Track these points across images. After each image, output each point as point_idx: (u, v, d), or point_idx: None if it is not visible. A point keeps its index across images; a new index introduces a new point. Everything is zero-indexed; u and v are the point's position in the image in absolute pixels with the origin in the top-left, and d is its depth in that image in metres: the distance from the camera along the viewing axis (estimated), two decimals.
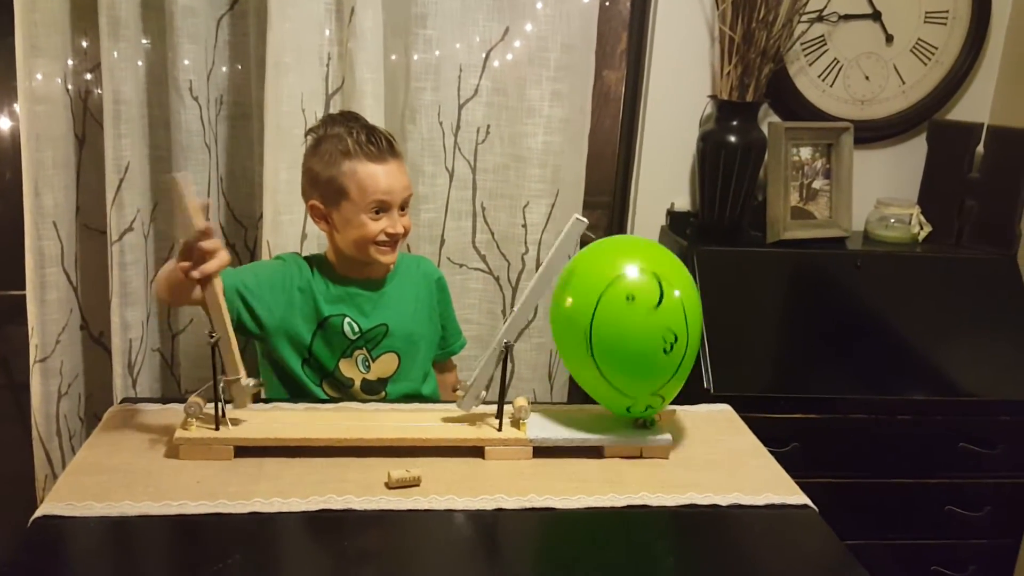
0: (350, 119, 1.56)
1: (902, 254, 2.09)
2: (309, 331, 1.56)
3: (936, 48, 2.15)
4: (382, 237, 1.53)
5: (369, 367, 1.60)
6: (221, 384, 1.29)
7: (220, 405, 1.29)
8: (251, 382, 1.30)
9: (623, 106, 2.15)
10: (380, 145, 1.51)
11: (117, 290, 1.86)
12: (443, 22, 1.86)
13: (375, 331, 1.60)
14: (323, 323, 1.56)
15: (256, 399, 1.40)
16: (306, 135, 1.59)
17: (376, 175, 1.50)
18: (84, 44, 1.87)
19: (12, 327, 2.00)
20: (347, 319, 1.57)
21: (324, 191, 1.53)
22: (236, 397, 1.31)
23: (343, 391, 1.60)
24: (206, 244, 1.25)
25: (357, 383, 1.60)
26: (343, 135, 1.51)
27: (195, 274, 1.26)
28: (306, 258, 1.64)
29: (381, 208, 1.52)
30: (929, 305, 2.01)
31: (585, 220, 1.31)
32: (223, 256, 1.29)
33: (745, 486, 1.29)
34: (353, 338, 1.58)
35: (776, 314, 2.01)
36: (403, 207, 1.56)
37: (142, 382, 1.94)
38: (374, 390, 1.61)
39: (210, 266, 1.26)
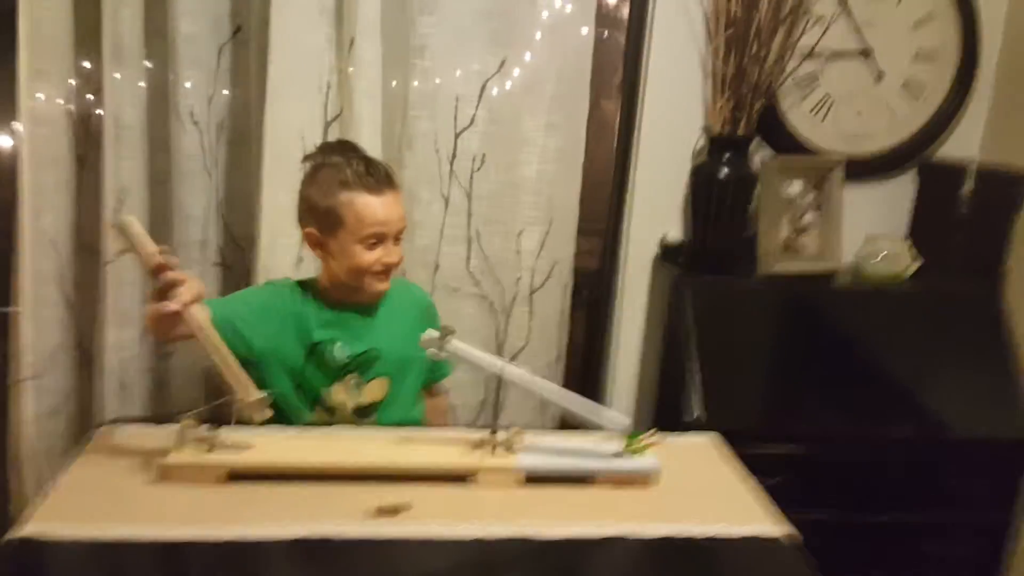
0: (348, 149, 1.58)
1: (891, 289, 2.11)
2: (301, 356, 1.57)
3: (926, 86, 2.19)
4: (377, 267, 1.54)
5: (361, 391, 1.61)
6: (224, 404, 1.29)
7: (215, 429, 1.29)
8: (262, 394, 1.30)
9: (617, 137, 2.18)
10: (378, 176, 1.52)
11: (110, 310, 1.87)
12: (441, 53, 1.89)
13: (367, 355, 1.61)
14: (314, 347, 1.57)
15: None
16: (303, 162, 1.62)
17: (373, 206, 1.51)
18: (86, 67, 1.89)
19: None
20: (338, 343, 1.58)
21: (321, 219, 1.54)
22: (254, 412, 1.30)
23: (334, 416, 1.61)
24: (169, 276, 1.27)
25: (349, 407, 1.61)
26: (341, 165, 1.52)
27: (172, 307, 1.27)
28: (298, 282, 1.65)
29: (377, 239, 1.53)
30: (916, 339, 2.02)
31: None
32: (194, 284, 1.30)
33: (731, 515, 1.30)
34: (345, 362, 1.59)
35: (766, 346, 2.03)
36: (397, 237, 1.57)
37: (134, 403, 1.95)
38: (365, 414, 1.62)
39: (185, 296, 1.28)
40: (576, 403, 1.41)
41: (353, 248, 1.52)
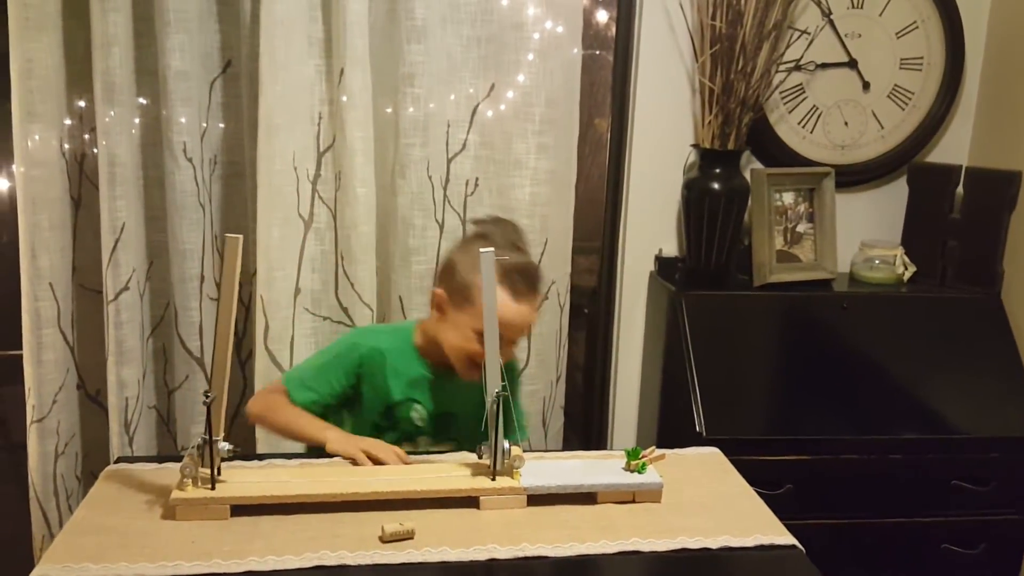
0: (511, 232, 1.57)
1: (888, 295, 2.12)
2: (377, 412, 1.59)
3: (913, 93, 2.21)
4: (477, 357, 1.47)
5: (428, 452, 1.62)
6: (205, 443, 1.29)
7: (215, 464, 1.30)
8: (226, 447, 1.30)
9: (608, 155, 2.20)
10: (528, 282, 1.51)
11: (113, 349, 1.88)
12: (430, 80, 1.91)
13: (442, 419, 1.61)
14: (393, 408, 1.59)
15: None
16: (471, 223, 1.60)
17: (510, 309, 1.47)
18: (79, 108, 1.91)
19: (9, 387, 2.02)
20: (416, 407, 1.59)
21: (455, 289, 1.52)
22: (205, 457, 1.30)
23: None
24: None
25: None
26: (501, 251, 1.43)
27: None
28: (388, 333, 1.65)
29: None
30: (916, 344, 2.03)
31: (491, 249, 1.31)
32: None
33: (734, 528, 1.30)
34: (420, 424, 1.60)
35: (765, 356, 2.03)
36: (514, 340, 1.55)
37: (139, 440, 1.95)
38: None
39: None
40: None
41: (469, 332, 1.50)
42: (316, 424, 1.54)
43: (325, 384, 1.59)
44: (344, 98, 1.85)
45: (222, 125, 1.96)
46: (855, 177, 2.23)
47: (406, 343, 1.62)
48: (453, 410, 1.60)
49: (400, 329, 1.67)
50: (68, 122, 1.90)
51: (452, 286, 1.53)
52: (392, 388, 1.58)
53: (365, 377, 1.59)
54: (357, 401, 1.60)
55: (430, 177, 1.96)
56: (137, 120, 1.90)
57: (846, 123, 2.20)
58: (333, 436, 1.50)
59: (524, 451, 1.40)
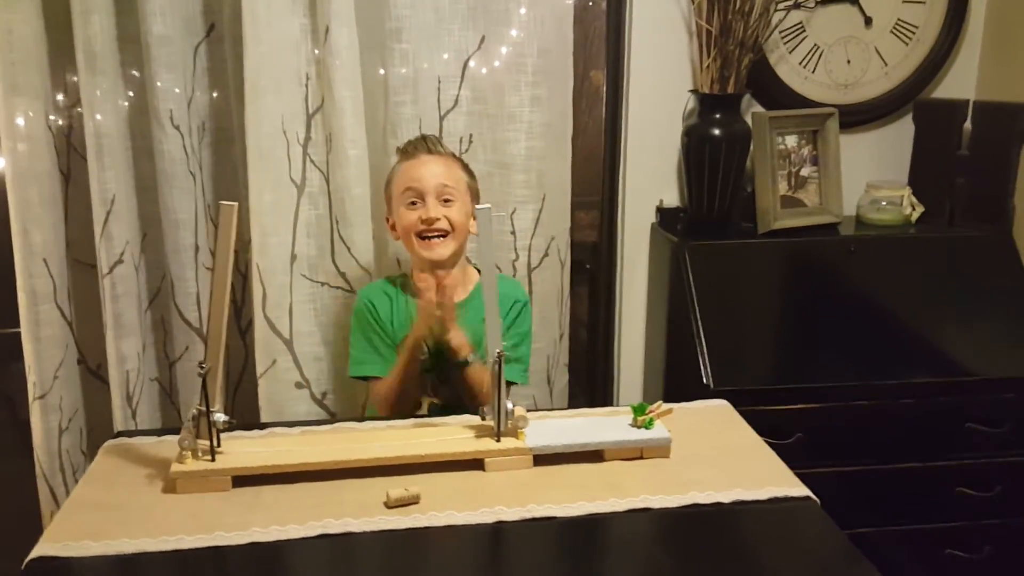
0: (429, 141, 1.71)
1: (895, 236, 2.08)
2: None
3: (916, 27, 2.14)
4: (420, 227, 1.61)
5: (437, 391, 1.66)
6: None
7: (213, 436, 1.28)
8: (222, 418, 1.29)
9: (605, 106, 2.14)
10: (416, 143, 1.68)
11: (111, 323, 1.86)
12: (418, 35, 1.85)
13: (445, 354, 1.64)
14: (400, 348, 1.65)
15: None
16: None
17: (408, 168, 1.66)
18: (63, 80, 1.87)
19: (14, 364, 2.00)
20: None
21: (387, 201, 1.72)
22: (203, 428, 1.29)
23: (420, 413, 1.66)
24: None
25: (424, 407, 1.65)
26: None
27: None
28: (380, 283, 1.77)
29: (415, 196, 1.62)
30: (926, 286, 1.99)
31: (488, 205, 1.32)
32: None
33: (746, 481, 1.28)
34: (422, 358, 1.63)
35: (772, 305, 2.00)
36: (446, 200, 1.63)
37: (142, 412, 1.94)
38: (443, 414, 1.61)
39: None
40: None
41: (399, 212, 1.65)
42: (400, 358, 1.64)
43: (370, 351, 1.69)
44: (330, 57, 1.80)
45: (207, 92, 1.92)
46: (859, 117, 2.18)
47: (404, 284, 1.73)
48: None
49: (398, 276, 1.79)
50: (53, 94, 1.85)
51: (386, 203, 1.72)
52: (397, 327, 1.68)
53: (383, 324, 1.68)
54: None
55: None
56: (122, 90, 1.85)
57: (848, 61, 2.14)
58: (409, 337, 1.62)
59: (528, 410, 1.38)
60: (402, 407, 1.64)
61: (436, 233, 1.62)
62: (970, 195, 2.09)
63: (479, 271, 1.77)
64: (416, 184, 1.63)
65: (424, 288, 1.58)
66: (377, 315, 1.69)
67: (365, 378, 1.71)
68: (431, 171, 1.64)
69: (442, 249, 1.63)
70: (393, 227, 1.70)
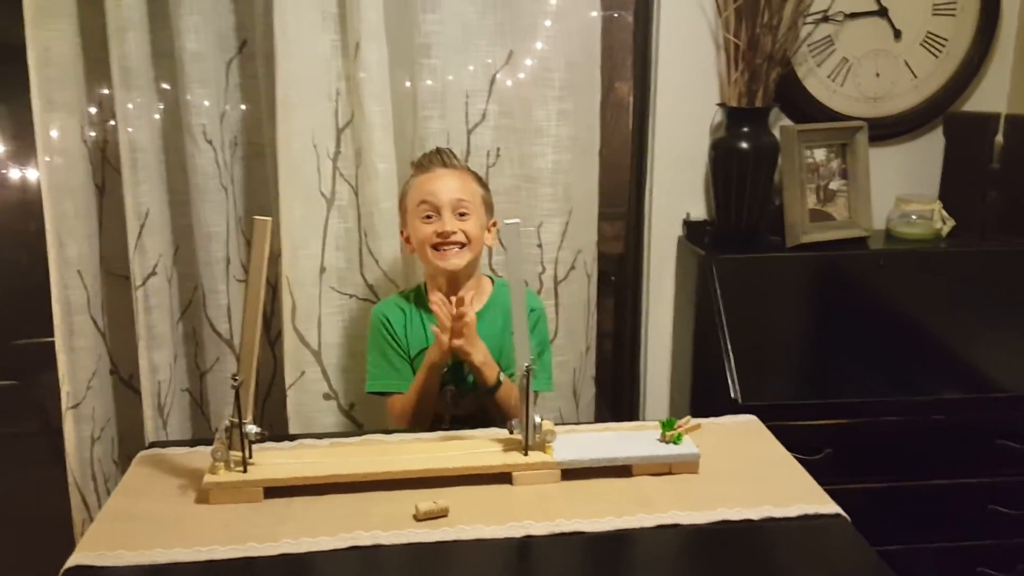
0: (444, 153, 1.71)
1: (926, 251, 2.06)
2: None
3: (946, 40, 2.13)
4: (435, 239, 1.62)
5: (458, 404, 1.66)
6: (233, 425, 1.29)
7: (246, 448, 1.29)
8: (254, 429, 1.30)
9: (632, 119, 2.15)
10: (431, 157, 1.69)
11: (143, 334, 1.89)
12: (446, 50, 1.87)
13: (463, 366, 1.64)
14: (414, 361, 1.66)
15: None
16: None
17: (423, 181, 1.66)
18: (98, 95, 1.91)
19: (46, 374, 2.04)
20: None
21: (402, 215, 1.73)
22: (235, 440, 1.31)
23: (442, 425, 1.66)
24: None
25: (447, 419, 1.66)
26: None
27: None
28: (394, 297, 1.76)
29: (430, 210, 1.63)
30: (957, 301, 1.97)
31: (517, 220, 1.32)
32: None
33: (776, 498, 1.27)
34: (443, 373, 1.64)
35: (800, 319, 1.99)
36: (462, 213, 1.63)
37: (172, 422, 1.96)
38: (465, 425, 1.61)
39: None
40: None
41: (414, 226, 1.66)
42: (417, 377, 1.64)
43: (386, 366, 1.69)
44: (360, 73, 1.82)
45: (239, 107, 1.95)
46: (888, 130, 2.16)
47: (417, 298, 1.73)
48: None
49: (411, 290, 1.79)
50: (88, 109, 1.89)
51: (401, 216, 1.74)
52: (412, 341, 1.68)
53: (398, 339, 1.69)
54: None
55: (450, 149, 1.92)
56: (156, 104, 1.88)
57: (877, 74, 2.13)
58: (428, 358, 1.62)
59: (555, 424, 1.38)
60: (420, 424, 1.64)
61: (452, 244, 1.63)
62: (1002, 209, 2.07)
63: (492, 280, 1.78)
64: (431, 198, 1.63)
65: (438, 312, 1.57)
66: (392, 330, 1.69)
67: (382, 394, 1.71)
68: (446, 185, 1.64)
69: (457, 260, 1.63)
70: (408, 240, 1.71)
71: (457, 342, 1.56)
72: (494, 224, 1.74)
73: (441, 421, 1.67)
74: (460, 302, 1.57)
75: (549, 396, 2.05)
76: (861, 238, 2.08)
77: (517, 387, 1.34)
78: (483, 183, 1.74)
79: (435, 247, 1.63)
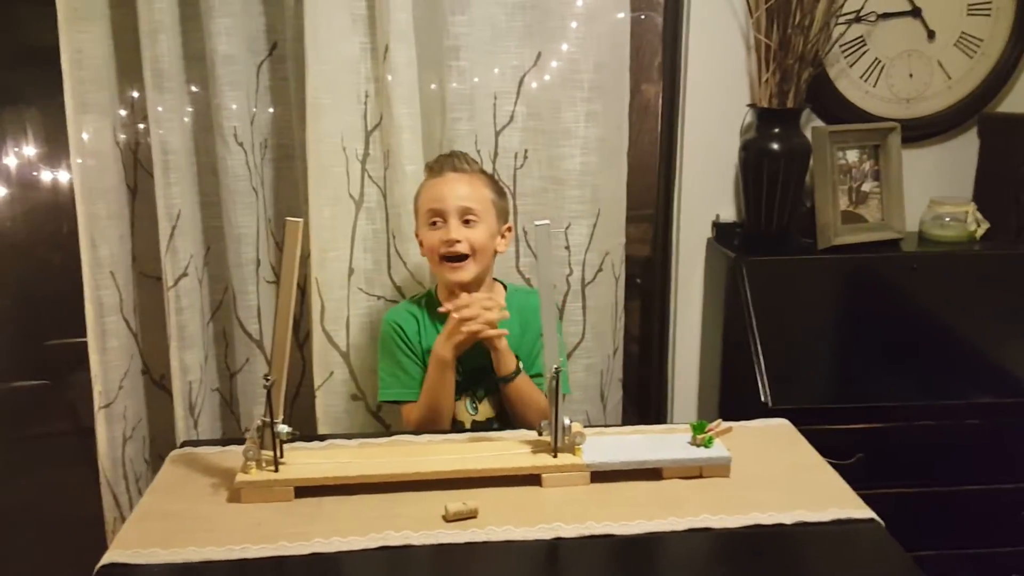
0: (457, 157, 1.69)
1: (960, 253, 2.03)
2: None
3: (981, 40, 2.10)
4: (443, 249, 1.59)
5: (476, 409, 1.65)
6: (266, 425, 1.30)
7: (277, 447, 1.30)
8: (285, 429, 1.31)
9: (660, 120, 2.14)
10: (443, 162, 1.66)
11: (175, 334, 1.90)
12: (475, 52, 1.87)
13: (477, 371, 1.63)
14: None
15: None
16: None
17: (432, 185, 1.64)
18: (130, 97, 1.93)
19: (77, 373, 2.06)
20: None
21: (415, 217, 1.69)
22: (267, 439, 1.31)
23: (462, 430, 1.63)
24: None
25: (468, 426, 1.65)
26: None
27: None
28: (405, 303, 1.75)
29: (437, 216, 1.60)
30: (991, 304, 1.94)
31: (547, 221, 1.30)
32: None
33: (808, 502, 1.26)
34: (458, 379, 1.62)
35: (832, 322, 1.97)
36: (468, 220, 1.60)
37: (203, 422, 1.98)
38: (485, 429, 1.62)
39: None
40: None
41: (423, 231, 1.62)
42: (428, 374, 1.63)
43: (400, 373, 1.68)
44: (389, 75, 1.82)
45: (269, 110, 1.96)
46: (922, 131, 2.13)
47: (428, 303, 1.71)
48: (486, 362, 1.62)
49: (421, 295, 1.77)
50: (121, 111, 1.91)
51: (416, 218, 1.69)
52: (425, 346, 1.66)
53: (411, 345, 1.67)
54: None
55: (478, 151, 1.92)
56: (187, 107, 1.90)
57: (911, 75, 2.10)
58: (434, 353, 1.60)
59: (584, 426, 1.38)
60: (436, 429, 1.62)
61: (456, 256, 1.60)
62: None
63: (504, 286, 1.77)
64: (437, 204, 1.61)
65: (452, 314, 1.57)
66: (405, 336, 1.68)
67: (396, 402, 1.70)
68: (454, 191, 1.61)
69: (464, 273, 1.61)
70: (422, 243, 1.69)
71: (488, 329, 1.55)
72: (508, 229, 1.71)
73: (462, 430, 1.66)
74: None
75: (576, 399, 2.04)
76: (894, 240, 2.06)
77: (546, 389, 1.34)
78: (498, 188, 1.71)
79: (443, 257, 1.61)
